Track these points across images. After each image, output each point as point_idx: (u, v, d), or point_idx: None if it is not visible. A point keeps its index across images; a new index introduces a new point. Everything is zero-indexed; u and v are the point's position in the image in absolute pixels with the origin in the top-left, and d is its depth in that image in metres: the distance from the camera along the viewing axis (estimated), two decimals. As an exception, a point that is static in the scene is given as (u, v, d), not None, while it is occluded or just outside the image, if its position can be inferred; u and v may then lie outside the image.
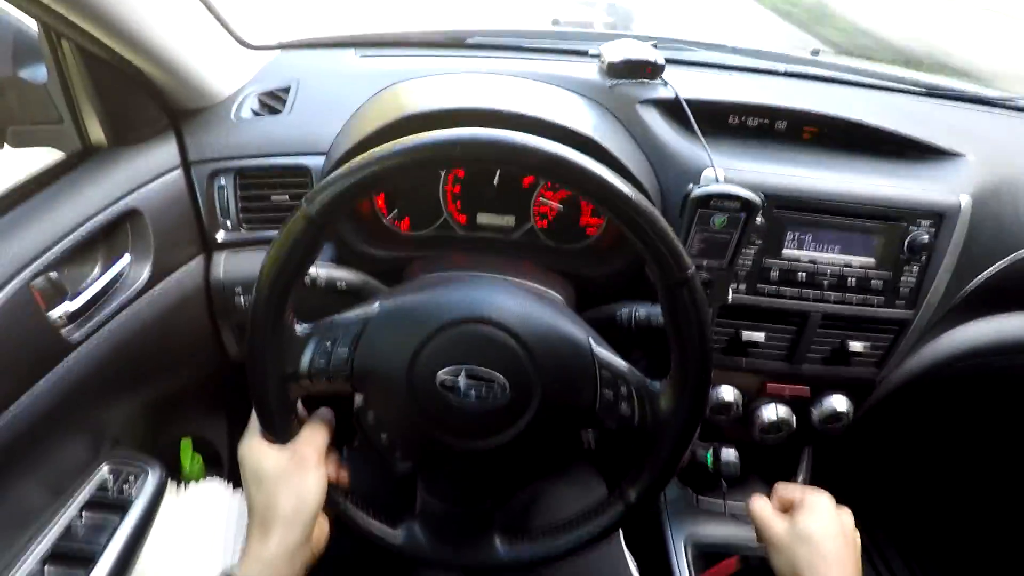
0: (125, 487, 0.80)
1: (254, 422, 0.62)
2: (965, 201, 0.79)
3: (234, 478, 1.05)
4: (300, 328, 0.59)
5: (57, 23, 0.65)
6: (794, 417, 0.89)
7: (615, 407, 0.58)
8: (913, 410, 1.10)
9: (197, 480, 1.03)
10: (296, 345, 0.58)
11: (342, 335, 0.58)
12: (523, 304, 0.60)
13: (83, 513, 0.78)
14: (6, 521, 0.69)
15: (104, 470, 0.81)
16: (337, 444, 0.65)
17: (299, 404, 0.65)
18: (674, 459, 0.60)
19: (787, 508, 0.71)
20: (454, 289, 0.61)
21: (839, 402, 0.88)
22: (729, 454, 0.90)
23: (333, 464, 0.63)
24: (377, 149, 0.51)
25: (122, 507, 0.79)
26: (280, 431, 0.60)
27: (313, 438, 0.61)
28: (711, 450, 0.92)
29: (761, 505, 0.72)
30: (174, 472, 1.02)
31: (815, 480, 1.11)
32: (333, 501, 0.62)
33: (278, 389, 0.59)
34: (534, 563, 0.63)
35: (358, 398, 0.65)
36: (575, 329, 0.60)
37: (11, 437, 0.64)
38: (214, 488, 1.02)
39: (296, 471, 0.58)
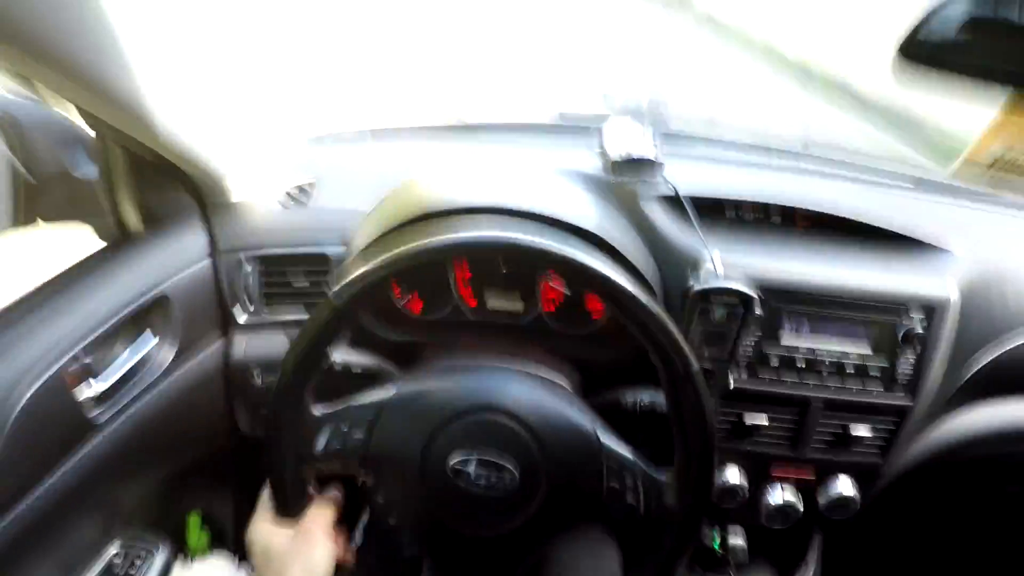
0: (133, 567, 0.81)
1: (263, 505, 0.64)
2: (954, 294, 0.82)
3: (240, 552, 1.04)
4: (318, 411, 0.62)
5: (107, 131, 0.72)
6: (801, 502, 0.89)
7: (621, 497, 0.60)
8: (923, 496, 1.09)
9: (203, 556, 1.03)
10: (313, 428, 0.61)
11: (358, 419, 0.61)
12: (534, 394, 0.62)
13: (92, 593, 0.78)
14: None
15: (114, 549, 0.82)
16: (347, 522, 0.66)
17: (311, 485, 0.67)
18: (679, 550, 0.60)
19: None
20: (468, 378, 0.64)
21: (845, 487, 0.88)
22: (736, 538, 0.89)
23: (340, 542, 0.64)
24: (403, 248, 0.55)
25: None
26: (292, 510, 0.62)
27: (320, 515, 0.62)
28: (718, 534, 0.92)
29: None
30: (180, 546, 1.02)
31: (826, 566, 1.09)
32: None
33: (293, 469, 0.61)
34: None
35: (369, 479, 0.67)
36: (583, 419, 0.62)
37: (32, 517, 0.66)
38: (219, 563, 1.02)
39: (304, 546, 0.60)
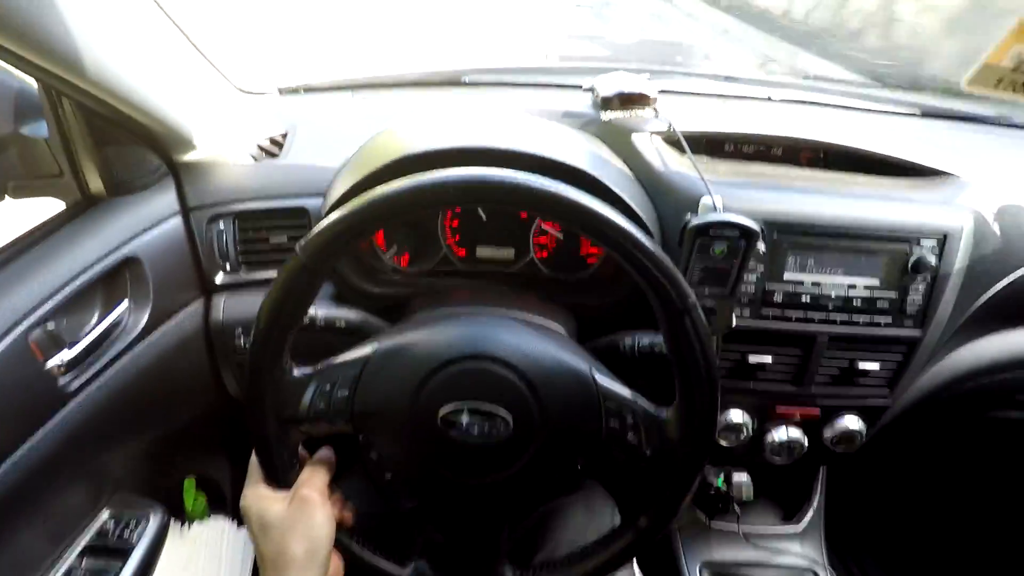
0: (126, 532, 0.80)
1: (254, 470, 0.61)
2: (968, 221, 0.78)
3: (239, 516, 1.03)
4: (299, 372, 0.59)
5: (55, 83, 0.67)
6: (806, 438, 0.87)
7: (622, 437, 0.58)
8: (929, 428, 1.07)
9: (201, 520, 1.02)
10: (295, 389, 0.58)
11: (341, 377, 0.58)
12: (523, 338, 0.59)
13: (83, 560, 0.77)
14: (6, 571, 0.69)
15: (104, 515, 0.81)
16: (340, 481, 0.64)
17: (300, 447, 0.64)
18: (685, 486, 0.59)
19: None
20: (452, 326, 0.60)
21: (852, 422, 0.86)
22: (741, 477, 0.88)
23: (337, 503, 0.62)
24: (369, 193, 0.52)
25: (123, 552, 0.79)
26: (282, 475, 0.60)
27: (314, 479, 0.60)
28: (723, 474, 0.90)
29: None
30: (178, 512, 1.01)
31: (830, 502, 1.08)
32: (339, 540, 0.61)
33: (278, 433, 0.59)
34: None
35: (361, 437, 0.65)
36: (577, 360, 0.59)
37: (10, 487, 0.64)
38: (219, 526, 1.01)
39: (302, 514, 0.57)
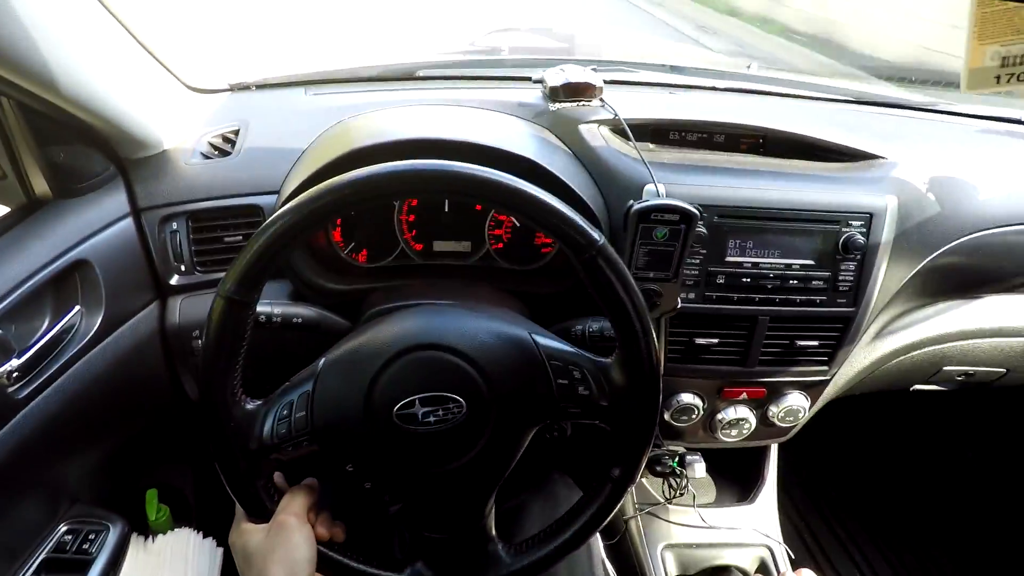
0: (85, 544, 0.78)
1: (240, 510, 0.62)
2: (892, 201, 0.83)
3: (204, 526, 1.03)
4: (252, 405, 0.59)
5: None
6: (754, 416, 0.92)
7: (573, 391, 0.59)
8: (870, 402, 1.14)
9: (165, 531, 1.00)
10: (252, 421, 0.58)
11: (296, 398, 0.59)
12: (460, 321, 0.61)
13: (41, 575, 0.75)
14: None
15: (62, 528, 0.79)
16: (335, 505, 0.65)
17: (279, 478, 0.65)
18: (645, 425, 0.60)
19: None
20: (390, 324, 0.61)
21: (795, 399, 0.91)
22: (695, 458, 0.92)
23: (325, 523, 0.63)
24: (282, 209, 0.52)
25: (83, 564, 0.77)
26: (261, 508, 0.60)
27: (291, 504, 0.60)
28: (678, 457, 0.94)
29: None
30: (140, 525, 0.99)
31: (784, 479, 1.14)
32: (332, 559, 0.62)
33: (248, 468, 0.59)
34: (548, 562, 0.64)
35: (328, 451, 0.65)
36: (515, 329, 0.61)
37: None
38: (183, 537, 1.00)
39: (280, 539, 0.58)
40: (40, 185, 0.78)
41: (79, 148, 0.80)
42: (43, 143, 0.76)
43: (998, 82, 0.59)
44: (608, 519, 0.64)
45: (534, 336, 0.60)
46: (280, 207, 0.80)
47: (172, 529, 1.01)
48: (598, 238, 0.54)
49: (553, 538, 0.64)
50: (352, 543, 0.64)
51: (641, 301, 0.56)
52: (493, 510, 0.65)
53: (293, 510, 0.60)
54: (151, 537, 0.98)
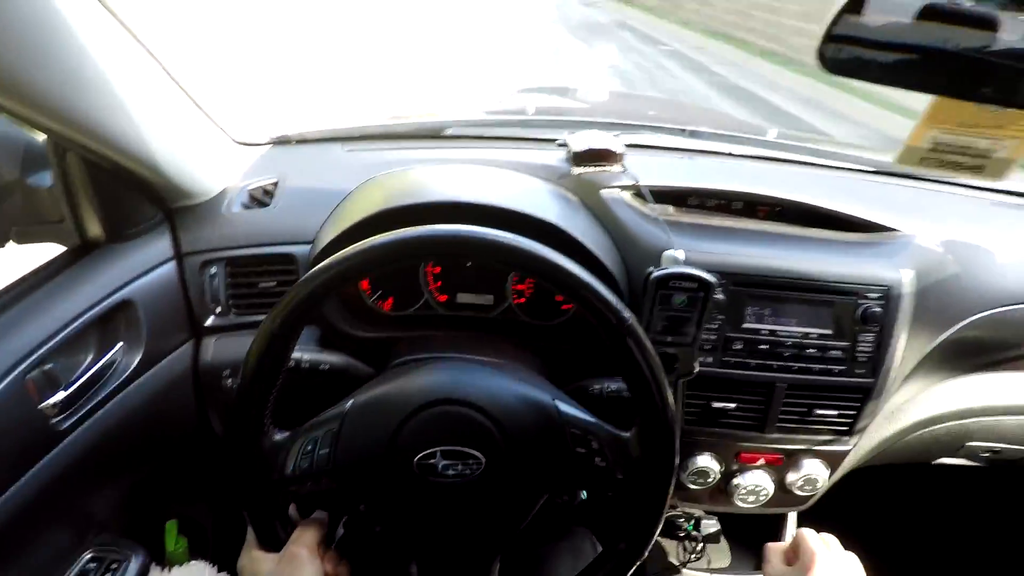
0: (108, 574, 0.80)
1: (251, 535, 0.64)
2: (909, 275, 0.84)
3: (219, 560, 1.04)
4: (280, 436, 0.62)
5: (60, 138, 0.71)
6: (771, 483, 0.91)
7: (590, 461, 0.60)
8: (891, 475, 1.12)
9: (181, 563, 1.02)
10: (278, 452, 0.61)
11: (322, 435, 0.61)
12: (487, 379, 0.63)
13: (65, 604, 0.77)
14: None
15: (87, 557, 0.82)
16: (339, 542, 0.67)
17: (293, 509, 0.67)
18: (657, 501, 0.61)
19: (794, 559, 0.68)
20: (418, 375, 0.64)
21: (813, 467, 0.90)
22: (710, 522, 0.91)
23: (332, 560, 0.64)
24: (332, 258, 0.56)
25: None
26: (274, 537, 0.62)
27: (304, 536, 0.62)
28: (693, 520, 0.93)
29: (773, 552, 0.70)
30: (159, 555, 1.02)
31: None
32: None
33: (267, 497, 0.61)
34: None
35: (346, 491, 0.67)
36: (539, 393, 0.63)
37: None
38: (198, 570, 1.01)
39: (291, 571, 0.59)
40: (94, 229, 0.83)
41: (131, 195, 0.85)
42: (100, 191, 0.81)
43: (920, 162, 0.64)
44: None
45: (557, 403, 0.62)
46: (314, 258, 0.85)
47: (188, 561, 1.03)
48: (627, 317, 0.56)
49: None
50: None
51: (664, 383, 0.57)
52: (497, 569, 0.66)
53: (305, 542, 0.61)
54: (168, 568, 1.00)
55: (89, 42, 0.65)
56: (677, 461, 0.59)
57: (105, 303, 0.77)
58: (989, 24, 0.50)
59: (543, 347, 0.89)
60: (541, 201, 0.86)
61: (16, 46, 0.57)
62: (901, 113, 5.33)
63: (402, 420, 0.60)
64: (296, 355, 0.76)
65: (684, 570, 1.05)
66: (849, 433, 0.89)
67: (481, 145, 1.07)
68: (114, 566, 0.82)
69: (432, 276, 0.93)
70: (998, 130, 0.59)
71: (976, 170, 0.63)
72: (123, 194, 0.84)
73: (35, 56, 0.60)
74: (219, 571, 1.03)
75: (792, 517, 1.09)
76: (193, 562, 1.02)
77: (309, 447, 0.60)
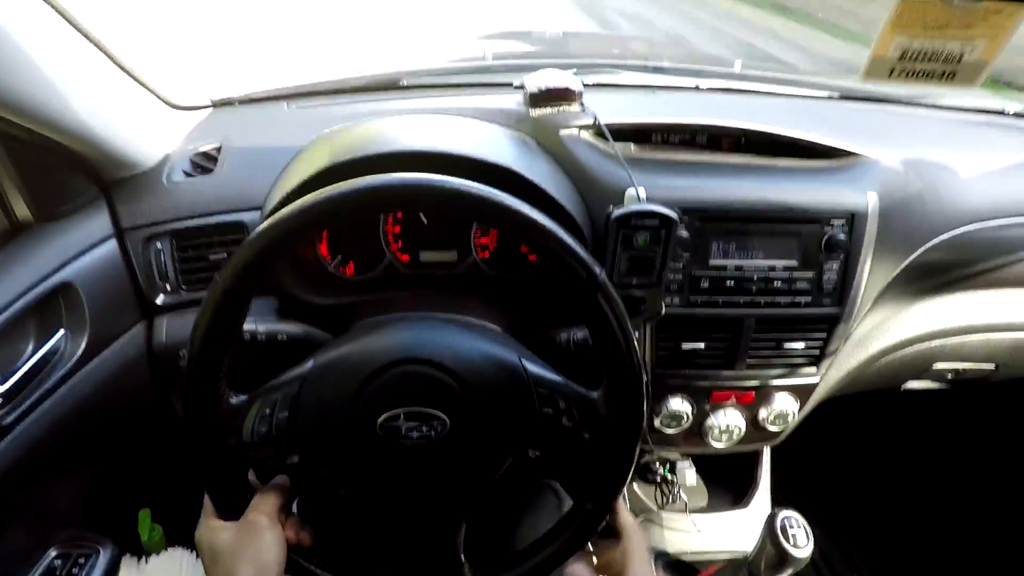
0: (75, 569, 0.78)
1: (208, 504, 0.61)
2: (873, 199, 0.83)
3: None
4: (236, 399, 0.59)
5: None
6: (744, 421, 0.92)
7: (557, 422, 0.59)
8: (860, 403, 1.13)
9: (158, 552, 1.00)
10: (235, 416, 0.58)
11: (280, 398, 0.58)
12: (452, 338, 0.61)
13: (32, 602, 0.76)
14: None
15: (52, 554, 0.79)
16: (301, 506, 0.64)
17: (252, 476, 0.65)
18: (623, 462, 0.60)
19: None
20: (382, 334, 0.61)
21: (784, 401, 0.91)
22: (685, 465, 0.91)
23: (294, 526, 0.62)
24: (284, 210, 0.52)
25: None
26: (233, 505, 0.60)
27: (263, 504, 0.60)
28: (668, 463, 0.94)
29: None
30: (135, 546, 0.99)
31: (777, 486, 1.13)
32: (299, 565, 0.61)
33: (225, 463, 0.59)
34: None
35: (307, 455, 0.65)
36: (505, 352, 0.61)
37: None
38: (176, 558, 1.00)
39: (250, 539, 0.57)
40: (21, 210, 0.78)
41: (60, 171, 0.80)
42: (22, 167, 0.76)
43: (890, 75, 0.61)
44: (578, 551, 0.64)
45: (524, 362, 0.60)
46: (263, 220, 0.81)
47: (165, 549, 1.01)
48: (598, 272, 0.54)
49: (520, 563, 0.63)
50: (319, 549, 0.64)
51: (633, 341, 0.56)
52: (463, 531, 0.65)
53: (265, 510, 0.59)
54: (144, 558, 0.98)
55: (2, 8, 0.59)
56: (645, 423, 0.58)
57: (40, 287, 0.73)
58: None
59: (509, 300, 0.86)
60: (498, 146, 0.82)
61: None
62: (832, 33, 5.34)
63: (364, 380, 0.57)
64: (251, 327, 0.72)
65: (662, 513, 1.06)
66: (818, 363, 0.89)
67: (436, 94, 1.02)
68: (81, 560, 0.79)
69: (393, 236, 0.89)
70: (968, 30, 0.56)
71: (948, 78, 0.60)
72: (51, 170, 0.78)
73: None
74: (198, 558, 1.01)
75: (767, 453, 1.10)
76: (170, 549, 1.01)
77: (267, 411, 0.58)
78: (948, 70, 0.60)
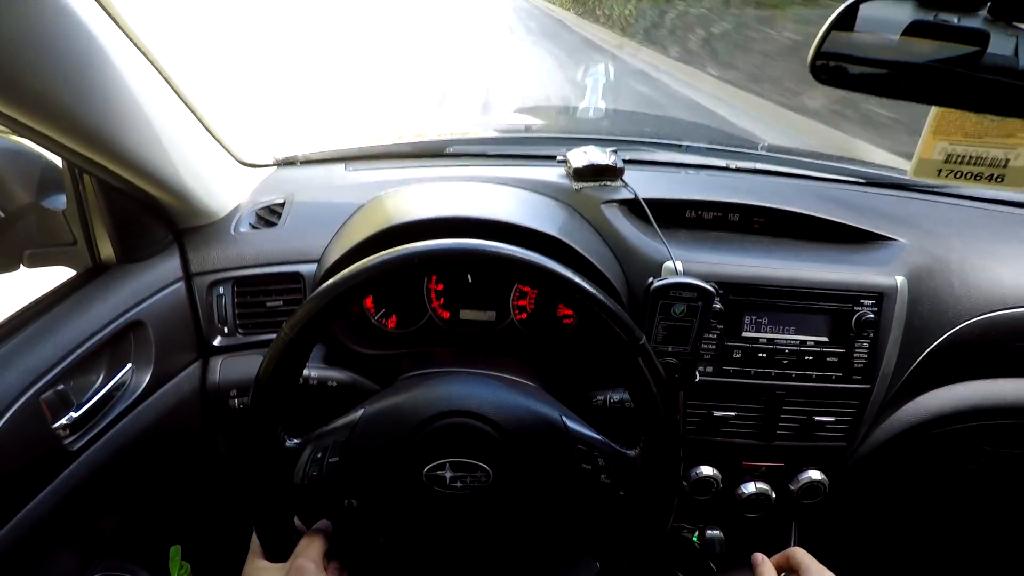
0: (113, 599, 0.80)
1: (255, 545, 0.64)
2: (901, 281, 0.86)
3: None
4: (291, 443, 0.62)
5: (79, 160, 0.73)
6: (773, 491, 0.92)
7: (595, 478, 0.61)
8: (889, 477, 1.12)
9: (185, 586, 1.01)
10: (289, 460, 0.61)
11: (332, 444, 0.62)
12: (497, 393, 0.64)
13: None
14: None
15: None
16: (341, 553, 0.66)
17: (296, 519, 0.67)
18: (659, 519, 0.62)
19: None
20: (430, 387, 0.65)
21: (814, 472, 0.91)
22: (715, 533, 0.91)
23: (335, 573, 0.64)
24: (348, 270, 0.57)
25: None
26: (280, 547, 0.63)
27: (310, 549, 0.62)
28: (697, 532, 0.94)
29: (765, 565, 0.71)
30: (163, 578, 1.01)
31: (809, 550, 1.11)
32: None
33: (275, 505, 0.62)
34: None
35: (352, 501, 0.68)
36: (547, 409, 0.64)
37: (8, 548, 0.65)
38: (202, 595, 1.01)
39: None
40: (106, 250, 0.84)
41: (143, 217, 0.87)
42: (113, 213, 0.82)
43: (939, 175, 0.63)
44: None
45: (564, 419, 0.63)
46: (321, 275, 0.87)
47: (192, 585, 1.02)
48: (639, 336, 0.57)
49: None
50: None
51: (672, 404, 0.59)
52: None
53: (311, 555, 0.61)
54: (171, 592, 0.99)
55: (108, 65, 0.67)
56: (681, 483, 0.60)
57: (116, 323, 0.78)
58: (977, 39, 0.50)
59: (543, 361, 0.90)
60: (544, 215, 0.88)
61: (42, 70, 0.59)
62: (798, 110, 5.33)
63: (413, 430, 0.61)
64: (304, 372, 0.77)
65: None
66: (849, 437, 0.90)
67: (482, 163, 1.10)
68: (119, 590, 0.81)
69: (435, 293, 0.94)
70: (1008, 138, 0.59)
71: (997, 180, 0.62)
72: (135, 216, 0.86)
73: (60, 79, 0.62)
74: None
75: (795, 524, 1.09)
76: (198, 585, 1.02)
77: (319, 455, 0.61)
78: (996, 173, 0.61)
